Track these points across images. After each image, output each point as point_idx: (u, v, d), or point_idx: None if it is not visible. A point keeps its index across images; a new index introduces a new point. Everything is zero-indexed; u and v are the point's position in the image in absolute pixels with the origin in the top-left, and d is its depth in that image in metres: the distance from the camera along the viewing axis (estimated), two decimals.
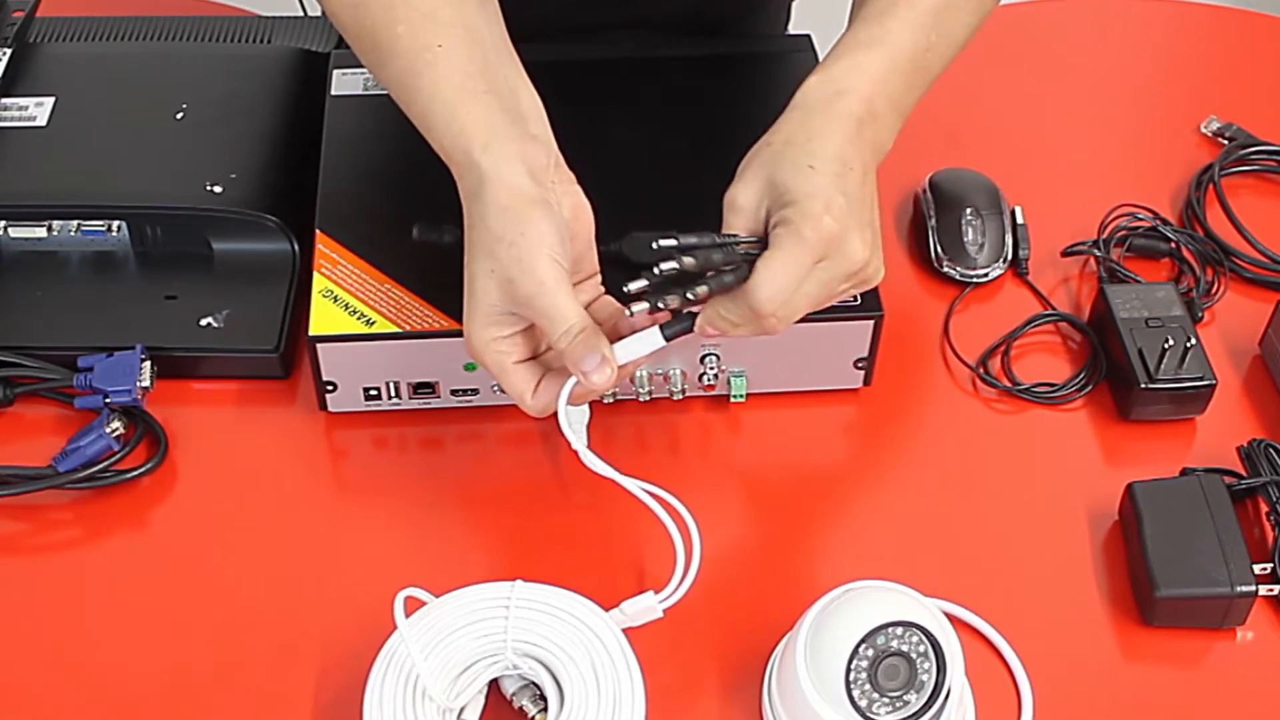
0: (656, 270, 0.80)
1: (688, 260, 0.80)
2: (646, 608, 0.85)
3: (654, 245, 0.80)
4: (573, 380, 0.82)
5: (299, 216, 1.02)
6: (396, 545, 0.92)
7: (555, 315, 0.80)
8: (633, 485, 0.86)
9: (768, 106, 1.10)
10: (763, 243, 0.81)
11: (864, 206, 0.82)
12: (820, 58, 1.10)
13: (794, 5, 1.30)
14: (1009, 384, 1.01)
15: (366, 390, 0.96)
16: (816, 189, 0.80)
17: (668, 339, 0.83)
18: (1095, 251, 1.07)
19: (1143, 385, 0.96)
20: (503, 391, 0.96)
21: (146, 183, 1.03)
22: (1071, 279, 1.08)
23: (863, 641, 0.77)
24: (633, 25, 1.15)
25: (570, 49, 1.11)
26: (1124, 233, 1.09)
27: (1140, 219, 1.10)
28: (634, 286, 0.80)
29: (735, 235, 0.82)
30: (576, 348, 0.80)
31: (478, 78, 0.85)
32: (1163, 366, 0.96)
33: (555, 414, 0.91)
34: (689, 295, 0.80)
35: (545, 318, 0.80)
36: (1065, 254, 1.08)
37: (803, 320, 0.94)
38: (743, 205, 0.83)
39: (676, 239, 0.80)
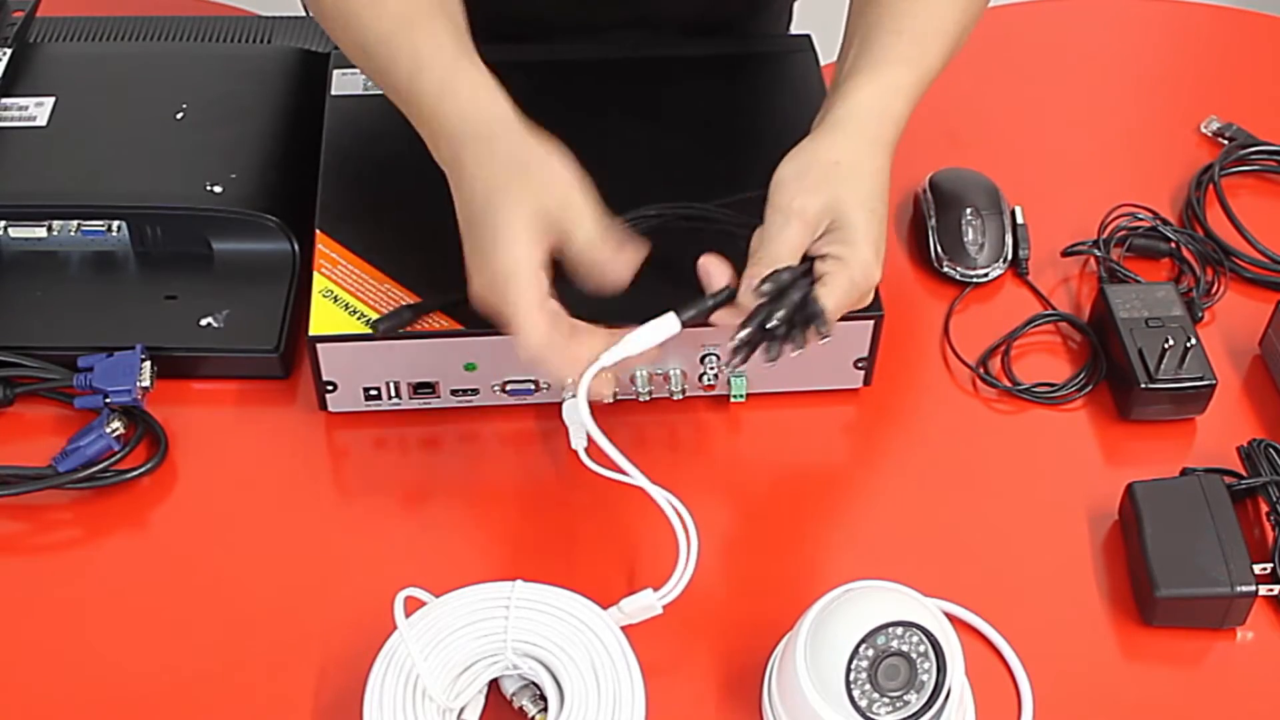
0: (766, 325, 0.83)
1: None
2: (645, 605, 0.85)
3: (761, 288, 0.83)
4: (596, 368, 0.83)
5: (299, 216, 1.02)
6: (396, 545, 0.92)
7: (587, 212, 0.83)
8: (636, 474, 0.86)
9: (768, 106, 1.10)
10: (808, 270, 0.85)
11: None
12: (820, 58, 1.11)
13: (795, 5, 1.30)
14: (1009, 384, 1.01)
15: (366, 390, 0.96)
16: (874, 236, 0.84)
17: (684, 324, 0.85)
18: (1095, 251, 1.07)
19: (1143, 385, 0.96)
20: (502, 394, 0.96)
21: (146, 183, 1.03)
22: (1071, 279, 1.08)
23: (863, 641, 0.77)
24: (634, 25, 1.15)
25: (570, 49, 1.11)
26: (1124, 233, 1.09)
27: (1140, 219, 1.10)
28: (741, 338, 0.84)
29: (791, 267, 0.84)
30: (605, 244, 0.83)
31: (471, 48, 0.88)
32: (1163, 366, 0.96)
33: (558, 413, 0.92)
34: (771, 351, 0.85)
35: (578, 212, 0.83)
36: (1065, 254, 1.08)
37: None
38: (810, 219, 0.84)
39: (772, 283, 0.83)
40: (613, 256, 0.84)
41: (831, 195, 0.84)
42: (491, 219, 0.83)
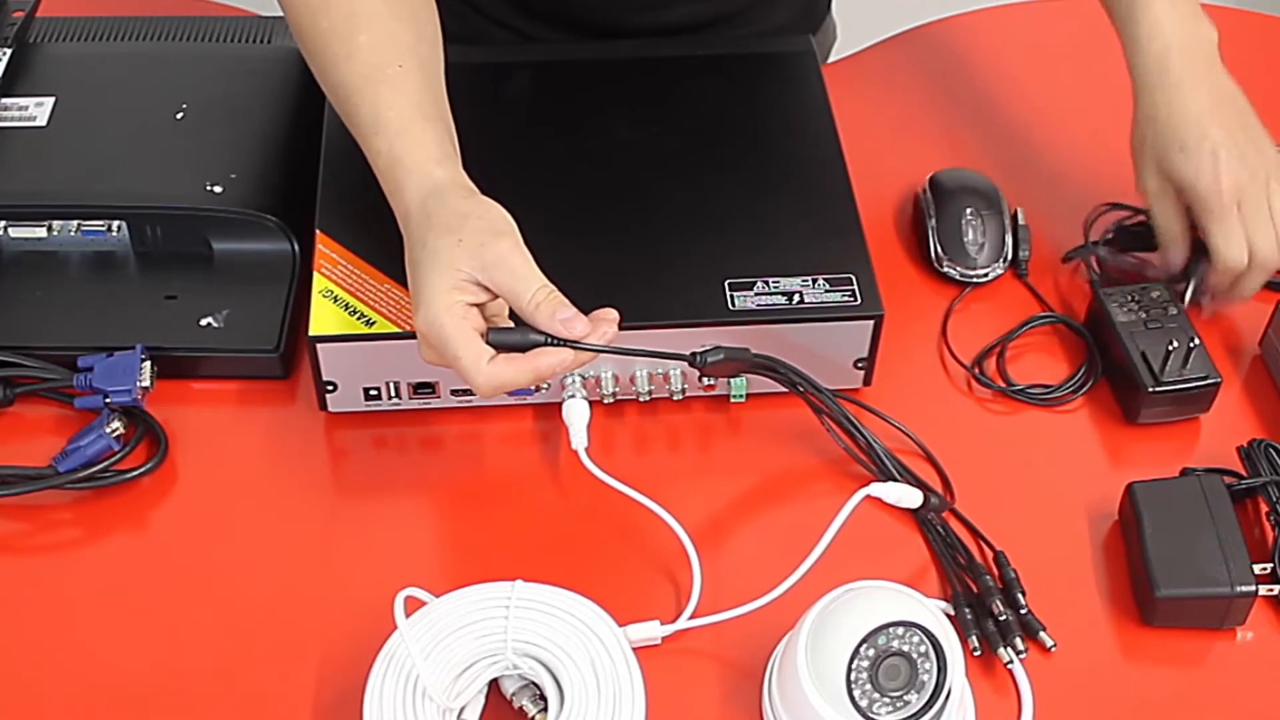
0: None
1: None
2: (647, 635, 0.86)
3: None
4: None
5: (299, 216, 1.02)
6: (396, 545, 0.92)
7: (527, 274, 0.83)
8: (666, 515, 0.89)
9: (768, 106, 1.10)
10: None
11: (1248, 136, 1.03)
12: (819, 58, 1.11)
13: None
14: (1004, 385, 1.01)
15: (366, 390, 0.96)
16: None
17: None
18: (1097, 251, 1.07)
19: (1150, 389, 0.96)
20: (502, 394, 0.96)
21: (146, 183, 1.03)
22: (1071, 280, 1.08)
23: (863, 641, 0.77)
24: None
25: (570, 49, 1.11)
26: (1123, 232, 1.09)
27: (1142, 215, 1.09)
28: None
29: None
30: (550, 301, 0.83)
31: (432, 105, 0.90)
32: (1167, 368, 0.96)
33: (558, 413, 0.92)
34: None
35: (517, 277, 0.83)
36: (1065, 259, 1.08)
37: (802, 320, 0.94)
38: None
39: None
40: (549, 320, 0.83)
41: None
42: (425, 273, 0.84)
